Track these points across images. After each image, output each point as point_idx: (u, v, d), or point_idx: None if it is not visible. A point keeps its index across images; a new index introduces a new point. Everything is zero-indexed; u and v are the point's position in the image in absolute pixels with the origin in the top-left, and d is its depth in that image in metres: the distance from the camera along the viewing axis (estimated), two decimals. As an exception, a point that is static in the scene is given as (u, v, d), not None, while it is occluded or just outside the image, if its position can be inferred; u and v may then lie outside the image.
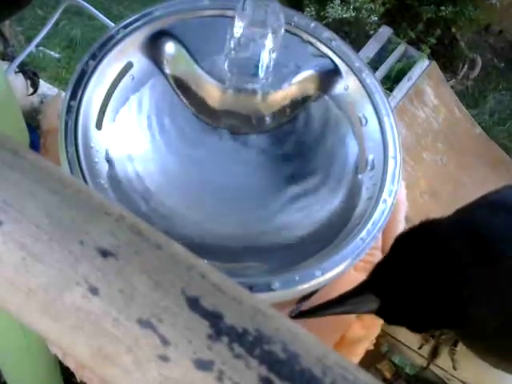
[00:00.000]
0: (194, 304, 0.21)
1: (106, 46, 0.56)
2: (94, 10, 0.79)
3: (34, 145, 0.69)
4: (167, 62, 0.59)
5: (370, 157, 0.57)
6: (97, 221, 0.22)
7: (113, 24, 0.72)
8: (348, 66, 0.60)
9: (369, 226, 0.52)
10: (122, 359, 0.21)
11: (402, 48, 1.92)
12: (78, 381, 0.59)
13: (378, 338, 0.64)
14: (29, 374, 0.84)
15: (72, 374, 0.60)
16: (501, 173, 1.71)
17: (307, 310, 0.53)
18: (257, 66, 0.58)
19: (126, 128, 0.57)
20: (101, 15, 0.79)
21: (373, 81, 0.60)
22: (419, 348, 0.65)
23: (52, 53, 1.88)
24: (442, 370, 0.65)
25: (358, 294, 0.49)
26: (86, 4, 0.78)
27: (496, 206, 0.48)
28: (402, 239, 0.49)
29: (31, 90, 0.75)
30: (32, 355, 0.80)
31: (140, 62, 0.58)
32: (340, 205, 0.56)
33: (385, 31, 1.95)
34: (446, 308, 0.46)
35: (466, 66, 2.16)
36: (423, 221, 0.48)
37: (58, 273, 0.21)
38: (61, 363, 0.74)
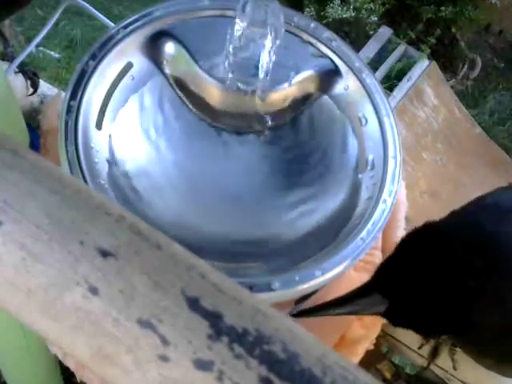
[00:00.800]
0: (194, 304, 0.21)
1: (106, 45, 0.56)
2: (93, 10, 0.79)
3: (34, 145, 0.69)
4: (167, 62, 0.59)
5: (370, 157, 0.57)
6: (97, 221, 0.22)
7: (113, 24, 0.72)
8: (348, 66, 0.60)
9: (369, 226, 0.52)
10: (122, 359, 0.21)
11: (401, 48, 1.92)
12: (78, 381, 0.59)
13: (378, 338, 0.64)
14: (29, 373, 0.84)
15: (72, 374, 0.60)
16: (500, 173, 1.71)
17: (310, 308, 0.52)
18: (257, 66, 0.58)
19: (126, 128, 0.57)
20: (101, 15, 0.79)
21: (373, 81, 0.60)
22: (419, 348, 0.65)
23: (52, 53, 1.88)
24: (442, 369, 0.65)
25: (365, 295, 0.48)
26: (86, 4, 0.78)
27: (495, 212, 0.48)
28: (408, 241, 0.48)
29: (31, 90, 0.75)
30: (32, 355, 0.80)
31: (140, 62, 0.58)
32: (340, 205, 0.56)
33: (385, 31, 1.95)
34: (452, 312, 0.46)
35: (466, 65, 2.16)
36: (427, 222, 0.48)
37: (57, 273, 0.21)
38: (61, 363, 0.74)
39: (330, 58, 0.61)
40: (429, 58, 1.87)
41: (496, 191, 0.52)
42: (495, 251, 0.45)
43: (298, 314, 0.51)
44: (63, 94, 0.55)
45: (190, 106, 0.60)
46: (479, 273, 0.44)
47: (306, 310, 0.52)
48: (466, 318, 0.46)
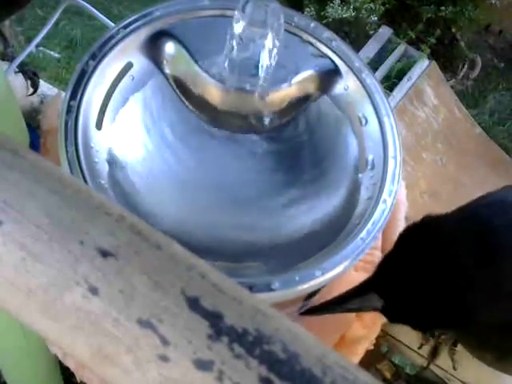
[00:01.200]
0: (194, 304, 0.21)
1: (106, 45, 0.56)
2: (94, 10, 0.79)
3: (34, 145, 0.70)
4: (167, 62, 0.59)
5: (370, 157, 0.57)
6: (97, 221, 0.22)
7: (113, 24, 0.72)
8: (348, 66, 0.60)
9: (369, 226, 0.52)
10: (122, 359, 0.21)
11: (401, 48, 1.92)
12: (78, 381, 0.60)
13: (378, 338, 0.64)
14: (29, 374, 0.84)
15: (72, 374, 0.60)
16: (500, 173, 1.72)
17: (311, 308, 0.53)
18: (257, 66, 0.58)
19: (126, 128, 0.57)
20: (101, 15, 0.79)
21: (373, 81, 0.60)
22: (419, 348, 0.65)
23: (52, 53, 1.88)
24: (442, 369, 0.66)
25: (362, 293, 0.49)
26: (86, 4, 0.78)
27: (498, 207, 0.48)
28: (405, 238, 0.48)
29: (31, 90, 0.75)
30: (32, 355, 0.80)
31: (140, 61, 0.58)
32: (340, 205, 0.56)
33: (385, 31, 1.95)
34: (449, 308, 0.46)
35: (466, 66, 2.16)
36: (425, 217, 0.48)
37: (57, 273, 0.21)
38: (61, 363, 0.74)
39: (330, 58, 0.61)
40: (429, 58, 1.87)
41: (502, 189, 0.52)
42: (494, 245, 0.45)
43: (301, 314, 0.52)
44: (63, 93, 0.55)
45: (190, 105, 0.60)
46: (478, 267, 0.44)
47: (308, 310, 0.53)
48: (465, 312, 0.46)
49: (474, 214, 0.48)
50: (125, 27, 0.57)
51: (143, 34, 0.58)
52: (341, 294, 0.50)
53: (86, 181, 0.50)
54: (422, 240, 0.47)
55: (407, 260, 0.47)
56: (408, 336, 0.66)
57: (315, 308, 0.52)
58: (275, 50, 0.56)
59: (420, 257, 0.46)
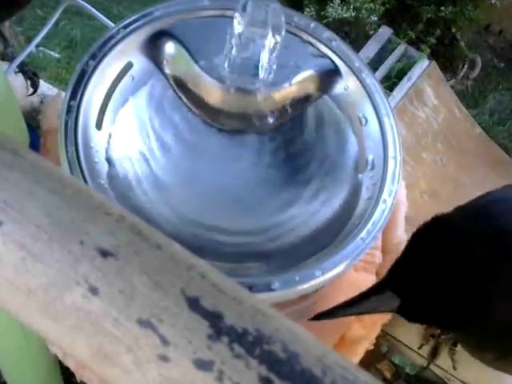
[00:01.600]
0: (194, 304, 0.21)
1: (106, 45, 0.56)
2: (94, 10, 0.79)
3: (34, 145, 0.69)
4: (167, 62, 0.59)
5: (370, 157, 0.57)
6: (97, 221, 0.22)
7: (113, 24, 0.72)
8: (348, 66, 0.60)
9: (369, 226, 0.52)
10: (122, 359, 0.21)
11: (401, 48, 1.92)
12: (78, 381, 0.60)
13: (378, 338, 0.64)
14: (29, 373, 0.84)
15: (72, 374, 0.60)
16: (500, 173, 1.72)
17: (326, 311, 0.51)
18: (257, 66, 0.58)
19: (126, 128, 0.57)
20: (101, 15, 0.79)
21: (373, 81, 0.60)
22: (419, 348, 0.65)
23: (52, 53, 1.88)
24: (442, 369, 0.66)
25: (378, 292, 0.49)
26: (86, 4, 0.78)
27: (502, 204, 0.49)
28: (419, 236, 0.48)
29: (31, 90, 0.75)
30: (32, 355, 0.80)
31: (140, 62, 0.58)
32: (340, 205, 0.56)
33: (385, 31, 1.95)
34: (467, 305, 0.46)
35: (466, 66, 2.16)
36: (437, 216, 0.48)
37: (57, 273, 0.21)
38: (61, 363, 0.74)
39: (330, 58, 0.61)
40: (429, 58, 1.87)
41: (504, 187, 0.52)
42: (507, 242, 0.45)
43: (315, 318, 0.51)
44: (63, 93, 0.55)
45: (190, 105, 0.60)
46: (496, 262, 0.44)
47: (323, 313, 0.51)
48: (483, 308, 0.45)
49: (484, 213, 0.48)
50: (125, 27, 0.57)
51: (143, 34, 0.58)
52: (354, 296, 0.49)
53: (86, 181, 0.50)
54: (435, 239, 0.47)
55: (423, 257, 0.47)
56: (408, 336, 0.66)
57: (328, 312, 0.51)
58: (275, 50, 0.56)
59: (435, 256, 0.46)
